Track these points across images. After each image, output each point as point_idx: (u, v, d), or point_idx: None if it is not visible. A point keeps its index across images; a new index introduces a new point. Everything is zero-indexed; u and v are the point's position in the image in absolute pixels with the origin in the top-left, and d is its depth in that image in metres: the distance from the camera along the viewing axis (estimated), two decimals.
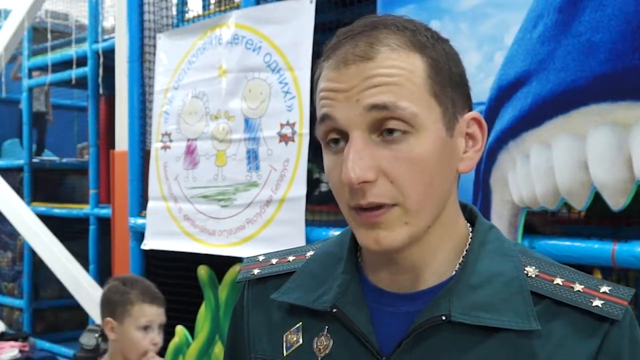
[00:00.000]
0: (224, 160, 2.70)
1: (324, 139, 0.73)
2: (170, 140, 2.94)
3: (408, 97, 0.69)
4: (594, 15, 1.59)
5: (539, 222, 1.90)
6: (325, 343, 0.77)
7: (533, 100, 1.70)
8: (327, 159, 0.74)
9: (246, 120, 2.61)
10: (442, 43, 0.74)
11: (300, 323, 0.80)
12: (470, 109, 0.76)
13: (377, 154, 0.69)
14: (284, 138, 2.47)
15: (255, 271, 0.88)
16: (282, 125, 2.47)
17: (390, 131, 0.69)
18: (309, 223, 2.46)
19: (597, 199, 1.62)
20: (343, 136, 0.71)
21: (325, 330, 0.78)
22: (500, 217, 1.81)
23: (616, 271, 2.90)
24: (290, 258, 0.88)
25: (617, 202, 1.58)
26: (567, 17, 1.64)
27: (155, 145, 3.04)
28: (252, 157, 2.59)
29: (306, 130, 2.40)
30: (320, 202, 2.87)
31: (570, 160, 1.64)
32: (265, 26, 2.57)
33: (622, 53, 1.53)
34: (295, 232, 2.42)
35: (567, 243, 1.72)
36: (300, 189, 2.42)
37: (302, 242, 2.39)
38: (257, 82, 2.58)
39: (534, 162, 1.72)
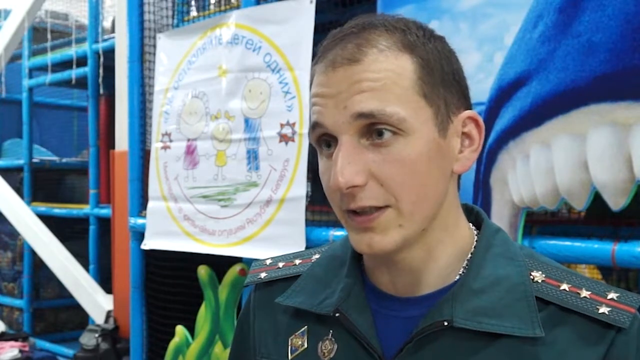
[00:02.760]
0: (224, 160, 2.70)
1: (317, 143, 0.73)
2: (170, 140, 2.94)
3: (395, 102, 0.68)
4: (594, 15, 1.59)
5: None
6: (329, 347, 0.77)
7: (533, 100, 1.70)
8: (320, 162, 0.74)
9: (246, 120, 2.61)
10: (435, 41, 0.73)
11: (306, 327, 0.80)
12: (468, 108, 0.75)
13: (366, 158, 0.69)
14: (284, 138, 2.47)
15: (262, 275, 0.88)
16: (282, 125, 2.47)
17: (379, 134, 0.68)
18: (309, 223, 2.45)
19: (597, 199, 1.61)
20: (333, 139, 0.71)
21: (330, 334, 0.77)
22: (500, 217, 1.81)
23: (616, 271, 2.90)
24: (297, 261, 0.88)
25: (617, 202, 1.58)
26: (567, 17, 1.64)
27: (155, 145, 3.04)
28: (252, 157, 2.58)
29: (306, 130, 2.40)
30: None
31: (570, 160, 1.64)
32: (265, 26, 2.57)
33: (622, 53, 1.53)
34: (295, 232, 2.42)
35: (567, 243, 1.72)
36: (300, 189, 2.42)
37: (302, 242, 2.39)
38: (257, 82, 2.58)
39: (534, 162, 1.71)
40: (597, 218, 2.33)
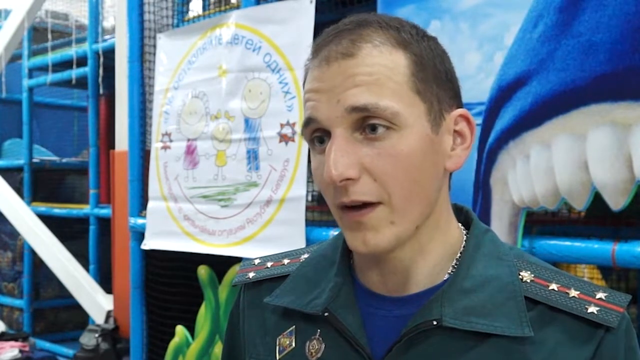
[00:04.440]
0: (224, 160, 2.70)
1: (310, 139, 0.73)
2: (171, 140, 2.94)
3: (389, 96, 0.68)
4: (594, 15, 1.59)
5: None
6: (317, 347, 0.77)
7: (533, 100, 1.70)
8: (313, 158, 0.74)
9: (246, 120, 2.61)
10: (428, 40, 0.74)
11: (294, 326, 0.80)
12: (459, 106, 0.75)
13: (360, 152, 0.69)
14: (284, 138, 2.47)
15: (251, 274, 0.88)
16: (282, 125, 2.47)
17: (373, 128, 0.69)
18: (309, 223, 2.45)
19: (597, 199, 1.61)
20: (327, 135, 0.71)
21: (317, 334, 0.77)
22: (500, 218, 1.81)
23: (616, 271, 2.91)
24: (285, 261, 0.88)
25: (617, 202, 1.58)
26: (568, 17, 1.64)
27: (155, 145, 3.04)
28: (252, 157, 2.58)
29: None
30: None
31: (570, 160, 1.64)
32: (265, 26, 2.57)
33: (622, 53, 1.53)
34: (295, 232, 2.42)
35: (567, 243, 1.72)
36: (300, 189, 2.42)
37: (302, 242, 2.39)
38: (257, 82, 2.58)
39: (534, 162, 1.71)
40: (597, 218, 2.33)
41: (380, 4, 2.15)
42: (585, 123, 1.60)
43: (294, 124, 2.44)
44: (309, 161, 2.43)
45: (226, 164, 2.69)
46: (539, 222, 2.26)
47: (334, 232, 2.35)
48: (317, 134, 0.72)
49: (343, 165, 0.68)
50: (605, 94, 1.56)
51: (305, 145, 2.40)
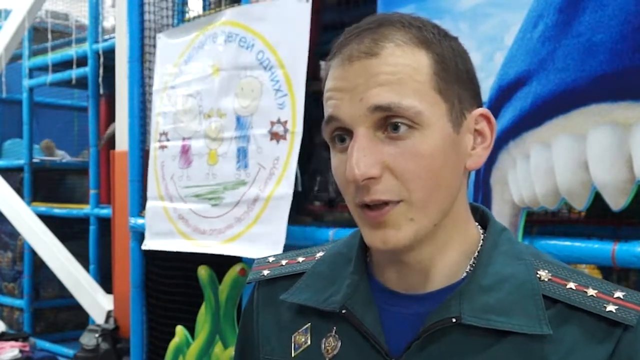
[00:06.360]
0: (215, 158, 2.68)
1: (330, 137, 0.73)
2: (167, 140, 2.94)
3: (412, 95, 0.69)
4: (594, 15, 1.59)
5: None
6: (333, 344, 0.77)
7: (533, 100, 1.70)
8: (334, 157, 0.74)
9: (238, 118, 2.58)
10: (449, 40, 0.74)
11: (309, 324, 0.80)
12: (480, 106, 0.76)
13: (382, 151, 0.69)
14: (274, 136, 2.44)
15: (265, 272, 0.88)
16: (272, 124, 2.44)
17: (395, 127, 0.69)
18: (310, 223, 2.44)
19: (597, 199, 1.61)
20: (348, 134, 0.71)
21: (333, 331, 0.78)
22: (500, 217, 1.81)
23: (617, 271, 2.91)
24: (300, 259, 0.88)
25: (617, 202, 1.57)
26: (568, 17, 1.64)
27: (153, 145, 3.04)
28: (242, 155, 2.56)
29: (299, 129, 2.36)
30: None
31: (570, 160, 1.63)
32: (258, 23, 2.55)
33: (622, 53, 1.53)
34: (276, 231, 2.37)
35: (567, 243, 1.72)
36: (287, 187, 2.38)
37: (281, 242, 2.34)
38: (250, 80, 2.55)
39: (534, 162, 1.71)
40: (598, 218, 2.33)
41: (381, 3, 2.15)
42: (585, 123, 1.60)
43: (285, 122, 2.41)
44: (299, 159, 2.40)
45: (217, 162, 2.67)
46: (539, 222, 2.26)
47: (333, 232, 2.34)
48: (338, 133, 0.72)
49: (365, 164, 0.68)
50: (605, 94, 1.56)
51: (297, 144, 2.36)
